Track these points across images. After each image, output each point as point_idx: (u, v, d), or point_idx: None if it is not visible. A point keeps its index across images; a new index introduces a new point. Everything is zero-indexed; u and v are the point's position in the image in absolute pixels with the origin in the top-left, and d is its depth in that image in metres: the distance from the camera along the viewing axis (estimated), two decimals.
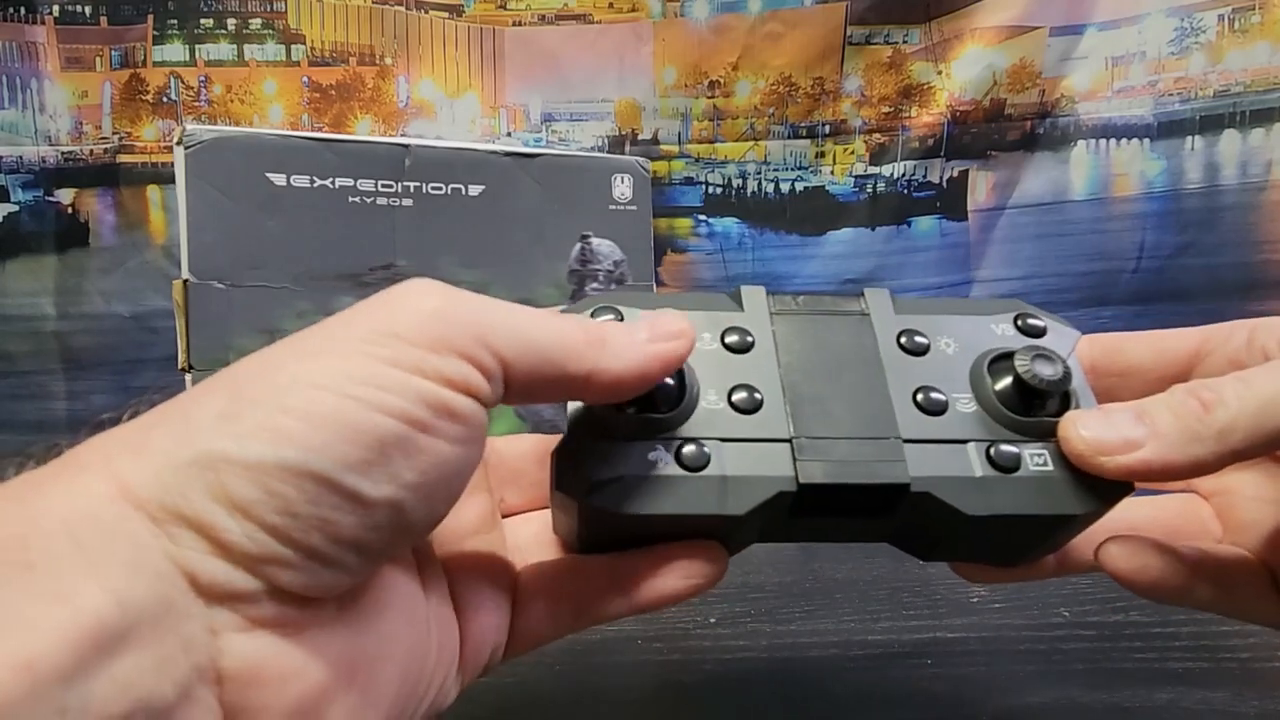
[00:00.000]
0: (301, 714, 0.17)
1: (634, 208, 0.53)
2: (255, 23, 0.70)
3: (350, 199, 0.47)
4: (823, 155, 0.75)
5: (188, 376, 0.44)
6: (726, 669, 0.38)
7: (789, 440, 0.23)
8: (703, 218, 0.75)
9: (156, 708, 0.15)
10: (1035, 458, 0.23)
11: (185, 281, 0.43)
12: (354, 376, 0.17)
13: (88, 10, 0.69)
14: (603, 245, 0.53)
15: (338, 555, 0.17)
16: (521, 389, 0.20)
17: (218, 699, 0.16)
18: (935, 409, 0.24)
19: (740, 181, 0.75)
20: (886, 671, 0.38)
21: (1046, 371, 0.23)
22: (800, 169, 0.75)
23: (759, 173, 0.75)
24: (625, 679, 0.37)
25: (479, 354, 0.19)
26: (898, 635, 0.41)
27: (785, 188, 0.75)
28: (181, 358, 0.44)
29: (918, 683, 0.37)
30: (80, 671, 0.14)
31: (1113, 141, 0.74)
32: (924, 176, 0.75)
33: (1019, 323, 0.26)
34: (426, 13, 0.72)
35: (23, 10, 0.68)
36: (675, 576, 0.24)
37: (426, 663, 0.22)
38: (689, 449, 0.23)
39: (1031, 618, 0.42)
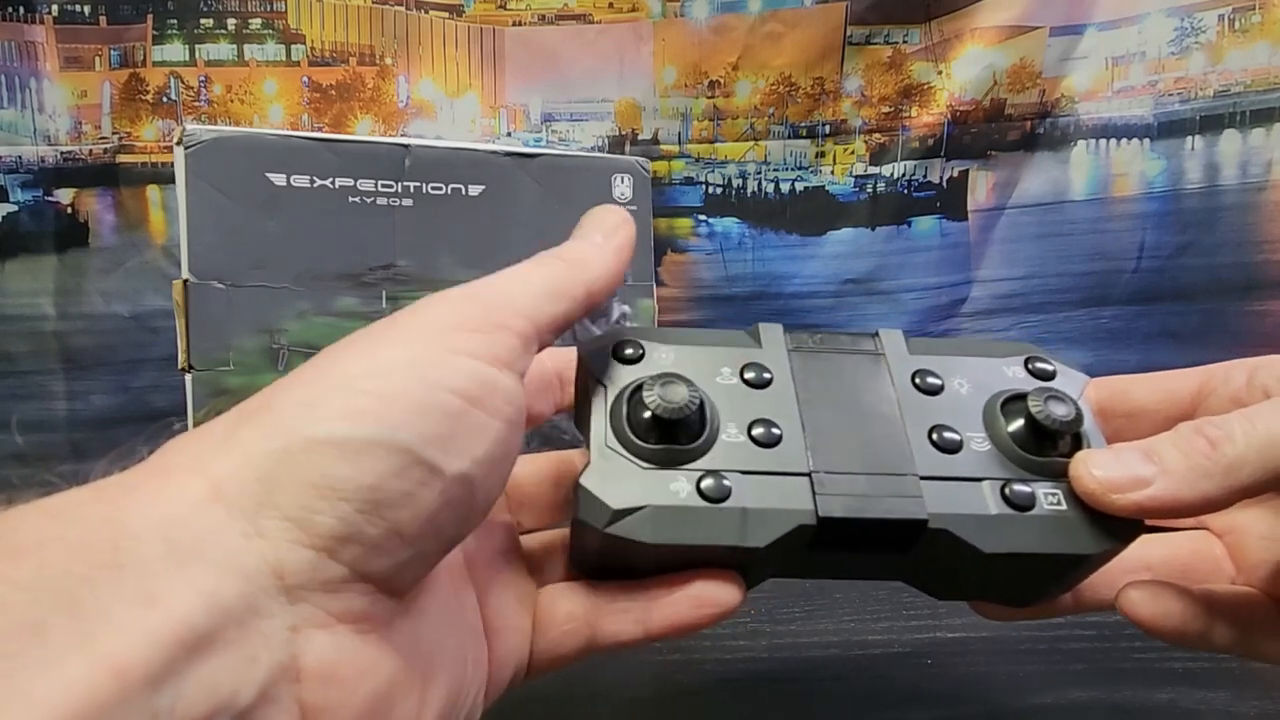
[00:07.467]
0: (370, 714, 0.18)
1: (634, 208, 0.53)
2: (255, 23, 0.70)
3: (350, 199, 0.47)
4: (823, 155, 0.75)
5: (188, 377, 0.44)
6: (726, 669, 0.38)
7: (808, 474, 0.23)
8: (703, 218, 0.75)
9: (238, 707, 0.15)
10: (1049, 497, 0.24)
11: (185, 281, 0.43)
12: (415, 361, 0.19)
13: (87, 10, 0.68)
14: None
15: (416, 533, 0.18)
16: (549, 335, 0.22)
17: (296, 698, 0.17)
18: (950, 448, 0.24)
19: (740, 181, 0.75)
20: (886, 671, 0.38)
21: (1059, 412, 0.24)
22: (800, 169, 0.75)
23: (759, 173, 0.75)
24: (625, 679, 0.37)
25: (514, 322, 0.21)
26: (898, 635, 0.41)
27: (785, 188, 0.75)
28: (181, 358, 0.44)
29: (918, 683, 0.37)
30: (169, 674, 0.14)
31: (1113, 141, 0.74)
32: (924, 176, 0.75)
33: (1029, 366, 0.27)
34: (426, 13, 0.72)
35: (21, 9, 0.68)
36: (690, 604, 0.24)
37: (466, 677, 0.22)
38: (710, 481, 0.23)
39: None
